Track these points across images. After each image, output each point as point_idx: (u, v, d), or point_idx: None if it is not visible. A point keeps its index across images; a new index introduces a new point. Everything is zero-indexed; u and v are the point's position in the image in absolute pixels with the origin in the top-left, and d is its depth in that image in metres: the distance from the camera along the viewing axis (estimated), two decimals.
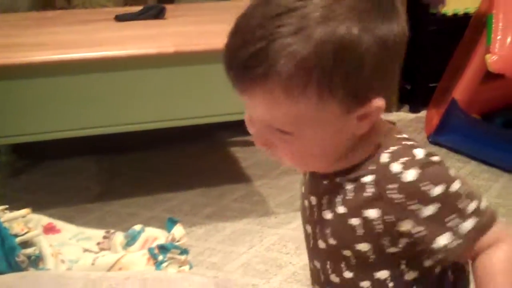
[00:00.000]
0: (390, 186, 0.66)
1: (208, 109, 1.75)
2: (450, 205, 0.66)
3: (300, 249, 1.76)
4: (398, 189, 0.66)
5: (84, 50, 1.67)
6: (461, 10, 2.82)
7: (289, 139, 0.66)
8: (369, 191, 0.68)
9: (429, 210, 0.66)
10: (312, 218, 0.75)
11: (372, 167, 0.69)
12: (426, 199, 0.65)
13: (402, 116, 2.94)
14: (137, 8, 2.14)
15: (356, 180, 0.69)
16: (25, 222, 1.55)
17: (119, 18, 2.02)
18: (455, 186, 0.67)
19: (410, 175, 0.65)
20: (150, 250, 1.48)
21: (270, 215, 1.97)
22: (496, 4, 1.92)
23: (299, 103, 0.62)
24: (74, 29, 1.97)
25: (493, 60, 1.88)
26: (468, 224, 0.66)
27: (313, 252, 0.76)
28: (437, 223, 0.66)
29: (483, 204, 0.69)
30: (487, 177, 2.26)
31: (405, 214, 0.66)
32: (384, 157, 0.68)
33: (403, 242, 0.69)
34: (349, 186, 0.70)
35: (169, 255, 1.48)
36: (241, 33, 0.64)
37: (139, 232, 1.62)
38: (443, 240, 0.66)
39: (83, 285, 0.80)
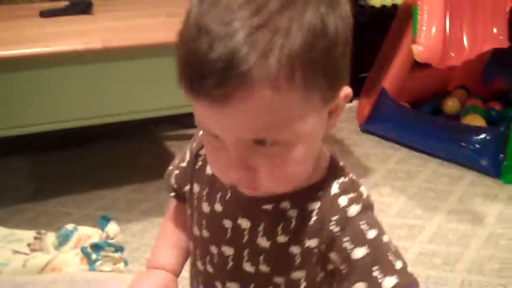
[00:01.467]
0: (333, 218, 0.63)
1: (139, 105, 1.74)
2: (380, 254, 0.63)
3: None
4: (339, 222, 0.63)
5: (9, 48, 1.63)
6: (389, 2, 2.91)
7: (276, 152, 0.58)
8: (313, 219, 0.64)
9: (360, 252, 0.62)
10: (239, 241, 0.67)
11: (320, 194, 0.64)
12: (360, 239, 0.62)
13: None
14: (63, 3, 2.10)
15: (302, 207, 0.64)
16: None
17: (44, 14, 1.98)
18: (386, 237, 0.64)
19: (353, 211, 0.63)
20: (83, 249, 1.46)
21: None
22: None
23: (288, 99, 0.55)
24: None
25: (419, 50, 1.93)
26: (390, 282, 0.62)
27: (232, 274, 0.69)
28: (363, 269, 0.62)
29: (409, 267, 0.64)
30: (417, 162, 2.35)
31: (337, 247, 0.63)
32: (335, 188, 0.64)
33: (330, 268, 0.65)
34: (293, 214, 0.64)
35: (103, 253, 1.46)
36: (206, 34, 0.53)
37: (72, 232, 1.59)
38: (359, 286, 0.62)
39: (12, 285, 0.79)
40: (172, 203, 0.83)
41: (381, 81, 2.57)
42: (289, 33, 0.53)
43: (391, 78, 2.56)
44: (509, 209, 1.98)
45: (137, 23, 1.93)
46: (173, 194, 0.80)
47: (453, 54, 1.98)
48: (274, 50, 0.53)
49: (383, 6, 2.92)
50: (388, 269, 0.62)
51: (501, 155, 2.18)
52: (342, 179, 0.65)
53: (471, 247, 1.76)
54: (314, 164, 0.63)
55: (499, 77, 2.75)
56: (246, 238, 0.67)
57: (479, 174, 2.21)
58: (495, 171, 2.18)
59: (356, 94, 2.85)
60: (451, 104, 2.66)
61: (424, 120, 2.51)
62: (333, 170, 0.65)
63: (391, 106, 2.54)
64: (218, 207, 0.69)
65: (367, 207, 0.64)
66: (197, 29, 0.54)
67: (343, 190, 0.64)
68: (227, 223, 0.68)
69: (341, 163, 0.67)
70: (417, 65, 2.35)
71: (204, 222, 0.71)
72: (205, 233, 0.71)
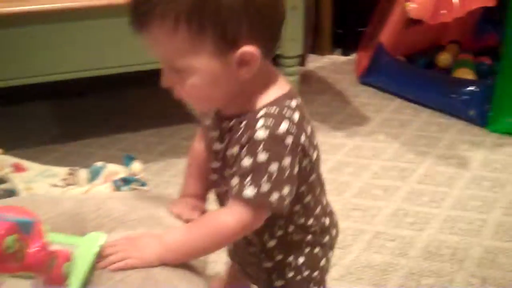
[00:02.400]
0: (246, 133, 0.81)
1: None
2: (258, 172, 0.80)
3: None
4: (248, 137, 0.81)
5: (38, 2, 1.77)
6: None
7: (182, 77, 0.80)
8: (239, 133, 0.83)
9: (246, 162, 0.80)
10: (210, 147, 0.92)
11: (251, 116, 0.82)
12: (251, 155, 0.80)
13: (334, 58, 3.15)
14: None
15: (240, 122, 0.83)
16: None
17: None
18: (274, 165, 0.80)
19: (259, 134, 0.80)
20: (115, 182, 1.65)
21: None
22: None
23: (174, 38, 0.76)
24: None
25: (411, 7, 2.06)
26: (250, 192, 0.80)
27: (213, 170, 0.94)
28: (242, 173, 0.81)
29: (276, 193, 0.81)
30: (410, 112, 2.53)
31: (240, 154, 0.82)
32: (262, 112, 0.82)
33: None
34: (229, 126, 0.86)
35: (131, 186, 1.66)
36: None
37: (101, 168, 1.78)
38: (234, 181, 0.82)
39: (74, 203, 0.97)
40: (200, 132, 1.02)
41: (378, 36, 2.71)
42: None
43: (387, 33, 2.69)
44: (493, 155, 2.15)
45: None
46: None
47: (444, 11, 2.12)
48: (167, 4, 0.75)
49: None
50: (255, 183, 0.80)
51: (488, 106, 2.34)
52: (273, 109, 0.82)
53: (456, 187, 1.96)
54: (229, 95, 0.83)
55: (490, 33, 2.86)
56: (214, 144, 0.89)
57: (467, 123, 2.38)
58: (482, 121, 2.34)
59: (355, 48, 3.01)
60: (443, 58, 2.77)
61: (417, 73, 2.65)
62: (275, 101, 0.83)
63: (387, 60, 2.68)
64: (208, 121, 0.92)
65: (273, 138, 0.80)
66: None
67: (266, 115, 0.81)
68: (210, 134, 0.91)
69: (290, 101, 0.84)
70: (412, 21, 2.48)
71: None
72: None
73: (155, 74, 2.63)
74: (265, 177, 0.80)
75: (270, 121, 0.80)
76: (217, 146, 0.89)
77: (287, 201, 0.83)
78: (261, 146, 0.79)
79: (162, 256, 0.83)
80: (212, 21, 0.75)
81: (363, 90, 2.75)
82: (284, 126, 0.80)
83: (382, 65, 2.70)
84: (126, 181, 1.67)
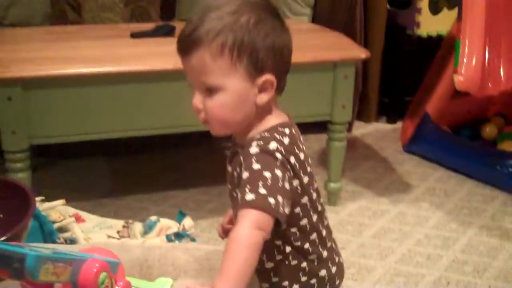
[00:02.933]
0: (244, 153, 0.95)
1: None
2: (254, 180, 0.91)
3: None
4: (243, 155, 0.96)
5: (108, 65, 1.93)
6: (434, 32, 3.10)
7: (214, 97, 0.95)
8: (242, 155, 0.96)
9: (245, 175, 0.93)
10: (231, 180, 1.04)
11: (249, 142, 0.97)
12: (248, 167, 0.93)
13: (380, 126, 3.23)
14: (144, 25, 2.40)
15: (243, 148, 0.97)
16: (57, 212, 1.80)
17: (135, 35, 2.28)
18: (268, 173, 0.92)
19: (252, 150, 0.94)
20: (168, 236, 1.73)
21: None
22: (462, 31, 2.19)
23: (218, 61, 0.92)
24: (95, 44, 2.22)
25: (459, 80, 2.14)
26: (249, 196, 0.90)
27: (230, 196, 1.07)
28: (243, 184, 0.92)
29: (272, 198, 0.90)
30: (454, 182, 2.56)
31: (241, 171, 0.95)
32: (257, 136, 0.97)
33: None
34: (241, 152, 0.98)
35: (183, 241, 1.74)
36: (193, 22, 0.95)
37: (155, 222, 1.87)
38: (239, 195, 0.93)
39: (142, 251, 1.06)
40: None
41: (425, 105, 2.77)
42: (227, 26, 0.93)
43: (434, 103, 2.76)
44: None
45: None
46: None
47: (490, 85, 2.19)
48: (214, 32, 0.92)
49: (429, 36, 3.11)
50: (253, 190, 0.90)
51: None
52: (266, 133, 0.97)
53: (499, 258, 1.97)
54: (245, 120, 0.98)
55: None
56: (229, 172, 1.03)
57: (511, 195, 2.41)
58: None
59: (401, 116, 3.09)
60: (489, 130, 2.82)
61: (462, 143, 2.70)
62: (271, 129, 0.98)
63: (432, 130, 2.74)
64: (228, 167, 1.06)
65: (264, 151, 0.94)
66: (188, 20, 0.96)
67: (260, 138, 0.96)
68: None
69: (283, 129, 0.98)
70: (458, 92, 2.53)
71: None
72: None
73: (206, 135, 2.75)
74: (261, 183, 0.91)
75: (262, 141, 0.95)
76: (228, 168, 1.04)
77: (285, 210, 0.93)
78: (254, 158, 0.93)
79: None
80: (249, 52, 0.94)
81: (408, 158, 2.81)
82: (273, 145, 0.95)
83: (428, 134, 2.76)
84: (178, 236, 1.75)
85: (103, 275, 0.71)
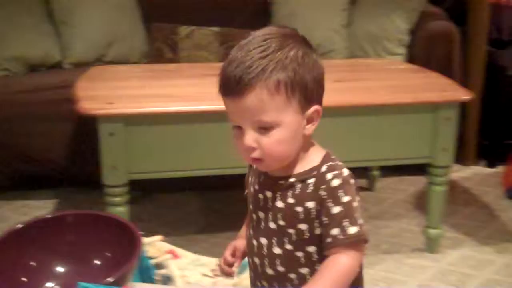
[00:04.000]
0: (322, 186, 0.96)
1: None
2: (349, 212, 0.94)
3: None
4: (325, 189, 0.96)
5: (205, 103, 1.93)
6: None
7: (269, 134, 0.94)
8: (310, 189, 0.98)
9: (336, 209, 0.95)
10: (266, 207, 1.03)
11: (314, 173, 0.99)
12: (338, 201, 0.95)
13: (479, 170, 3.08)
14: None
15: (303, 181, 0.99)
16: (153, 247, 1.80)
17: None
18: (356, 203, 0.96)
19: (335, 182, 0.96)
20: None
21: None
22: None
23: (276, 98, 0.93)
24: (192, 82, 2.25)
25: None
26: (353, 229, 0.94)
27: (263, 231, 1.04)
28: (337, 220, 0.95)
29: (364, 228, 0.95)
30: None
31: (324, 206, 0.96)
32: (324, 168, 0.98)
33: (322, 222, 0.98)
34: (298, 185, 0.99)
35: None
36: (237, 61, 0.93)
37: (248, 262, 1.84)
38: (334, 231, 0.95)
39: None
40: None
41: None
42: (278, 62, 0.93)
43: None
44: None
45: None
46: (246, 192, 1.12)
47: None
48: (268, 70, 0.92)
49: None
50: (354, 222, 0.94)
51: None
52: (330, 163, 0.99)
53: None
54: (297, 152, 0.99)
55: None
56: (269, 204, 1.02)
57: None
58: None
59: (501, 160, 2.94)
60: None
61: None
62: (325, 159, 1.00)
63: None
64: (256, 186, 1.06)
65: (345, 181, 0.96)
66: (229, 61, 0.95)
67: (330, 169, 0.98)
68: (261, 196, 1.04)
69: (333, 157, 1.02)
70: None
71: (250, 199, 1.07)
72: (251, 206, 1.07)
73: None
74: (355, 214, 0.95)
75: (336, 172, 0.97)
76: (278, 203, 1.01)
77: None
78: (342, 191, 0.95)
79: None
80: (301, 85, 0.95)
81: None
82: (346, 172, 0.98)
83: None
84: None
85: None
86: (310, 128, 0.99)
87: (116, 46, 3.08)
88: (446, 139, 2.05)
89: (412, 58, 2.94)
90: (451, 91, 2.11)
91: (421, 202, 2.58)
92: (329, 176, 0.97)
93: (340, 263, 0.94)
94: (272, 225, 1.02)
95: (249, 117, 0.94)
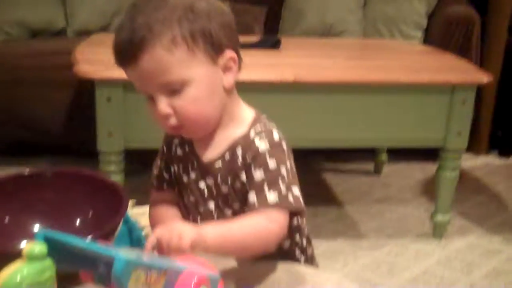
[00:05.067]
0: (249, 154, 0.90)
1: (315, 134, 1.90)
2: (273, 178, 0.88)
3: (392, 273, 1.86)
4: (252, 156, 0.89)
5: None
6: None
7: (181, 96, 0.86)
8: (240, 160, 0.91)
9: (258, 174, 0.88)
10: (213, 195, 0.96)
11: (243, 142, 0.91)
12: (262, 166, 0.88)
13: (490, 160, 2.98)
14: (248, 38, 2.32)
15: (234, 154, 0.92)
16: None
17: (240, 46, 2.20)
18: (284, 168, 0.89)
19: (262, 147, 0.89)
20: None
21: (362, 238, 2.09)
22: None
23: (174, 52, 0.84)
24: None
25: None
26: (272, 197, 0.87)
27: (202, 213, 0.97)
28: (258, 185, 0.88)
29: (290, 194, 0.88)
30: None
31: (250, 173, 0.89)
32: (252, 134, 0.91)
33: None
34: (229, 158, 0.92)
35: None
36: (124, 26, 0.86)
37: None
38: (252, 198, 0.88)
39: (242, 266, 0.96)
40: (156, 197, 1.05)
41: None
42: (167, 17, 0.84)
43: None
44: None
45: (321, 61, 2.10)
46: (165, 186, 1.03)
47: None
48: (160, 25, 0.83)
49: None
50: (275, 188, 0.87)
51: None
52: (258, 127, 0.92)
53: None
54: (219, 112, 0.91)
55: None
56: (215, 191, 0.94)
57: None
58: None
59: None
60: None
61: None
62: (253, 123, 0.93)
63: None
64: (192, 175, 0.97)
65: (273, 144, 0.90)
66: (117, 28, 0.87)
67: (257, 134, 0.91)
68: (202, 185, 0.96)
69: (263, 116, 0.95)
70: None
71: (188, 190, 0.98)
72: (191, 198, 0.98)
73: (302, 154, 2.59)
74: (280, 181, 0.88)
75: (264, 135, 0.91)
76: (223, 188, 0.94)
77: (301, 200, 0.90)
78: (267, 155, 0.89)
79: (195, 243, 0.77)
80: (201, 33, 0.86)
81: None
82: (276, 135, 0.91)
83: None
84: None
85: None
86: (229, 79, 0.90)
87: (121, 16, 2.99)
88: (461, 122, 1.95)
89: (428, 43, 2.83)
90: (470, 73, 2.02)
91: (429, 189, 2.49)
92: (256, 141, 0.90)
93: (256, 222, 0.86)
94: (227, 211, 0.96)
95: (153, 81, 0.86)
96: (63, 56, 2.40)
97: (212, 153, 0.94)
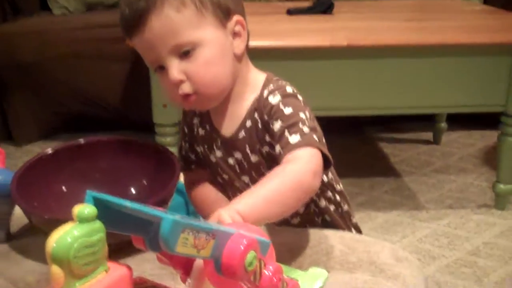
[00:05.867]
0: (265, 111, 0.87)
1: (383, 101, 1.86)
2: (292, 123, 0.83)
3: (452, 244, 1.81)
4: (268, 112, 0.87)
5: (266, 39, 1.82)
6: None
7: (193, 59, 0.84)
8: (260, 122, 0.89)
9: (277, 124, 0.84)
10: (244, 168, 0.94)
11: (258, 103, 0.89)
12: (279, 116, 0.85)
13: None
14: (301, 3, 2.28)
15: (253, 117, 0.89)
16: None
17: (291, 12, 2.17)
18: (302, 113, 0.85)
19: (275, 100, 0.86)
20: None
21: (421, 210, 2.04)
22: None
23: (184, 12, 0.82)
24: (252, 20, 2.13)
25: None
26: (295, 138, 0.82)
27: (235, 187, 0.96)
28: (279, 134, 0.84)
29: (314, 134, 0.83)
30: None
31: (270, 129, 0.86)
32: (265, 93, 0.88)
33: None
34: (250, 124, 0.90)
35: None
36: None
37: None
38: (277, 149, 0.84)
39: (291, 235, 0.93)
40: (190, 177, 1.02)
41: None
42: None
43: None
44: None
45: (375, 24, 2.04)
46: (193, 166, 1.01)
47: None
48: None
49: None
50: (296, 130, 0.82)
51: None
52: (270, 86, 0.89)
53: None
54: (233, 78, 0.88)
55: None
56: (246, 164, 0.92)
57: None
58: None
59: None
60: None
61: None
62: (266, 84, 0.90)
63: None
64: (219, 153, 0.95)
65: (285, 95, 0.87)
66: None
67: (270, 92, 0.88)
68: (231, 161, 0.94)
69: (276, 78, 0.92)
70: None
71: (218, 169, 0.96)
72: (225, 176, 0.96)
73: (351, 124, 2.55)
74: (300, 123, 0.83)
75: (277, 91, 0.87)
76: (253, 158, 0.92)
77: (326, 146, 0.85)
78: (281, 105, 0.86)
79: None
80: None
81: None
82: (289, 89, 0.88)
83: None
84: None
85: (251, 254, 0.58)
86: (239, 45, 0.88)
87: None
88: None
89: (490, 3, 2.71)
90: None
91: (491, 158, 2.40)
92: (270, 99, 0.87)
93: (284, 170, 0.79)
94: (246, 179, 0.94)
95: (164, 45, 0.83)
96: (118, 29, 2.43)
97: (233, 125, 0.92)
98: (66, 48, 2.56)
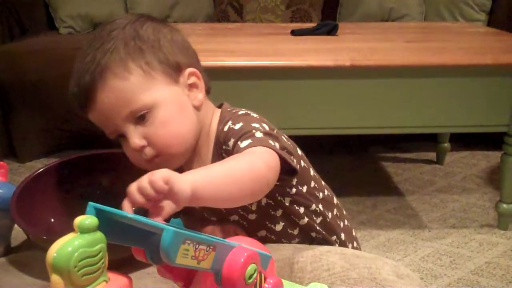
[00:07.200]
0: (223, 141, 0.85)
1: (377, 121, 1.86)
2: (244, 133, 0.81)
3: (455, 263, 1.80)
4: (226, 140, 0.84)
5: (269, 59, 1.84)
6: None
7: (151, 122, 0.82)
8: (223, 151, 0.86)
9: (230, 143, 0.83)
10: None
11: (216, 138, 0.87)
12: (231, 137, 0.83)
13: None
14: (305, 24, 2.30)
15: (218, 152, 0.87)
16: None
17: (295, 33, 2.19)
18: (255, 124, 0.83)
19: (227, 126, 0.85)
20: None
21: (424, 229, 2.03)
22: None
23: (130, 79, 0.81)
24: (256, 40, 2.16)
25: None
26: (245, 143, 0.80)
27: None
28: (235, 144, 0.81)
29: (270, 139, 0.80)
30: None
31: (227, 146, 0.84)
32: (220, 128, 0.86)
33: None
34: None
35: None
36: (75, 73, 0.86)
37: None
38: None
39: (291, 250, 0.94)
40: None
41: None
42: (114, 46, 0.82)
43: None
44: None
45: (379, 45, 2.06)
46: None
47: None
48: (108, 56, 0.81)
49: None
50: (247, 138, 0.80)
51: None
52: (224, 119, 0.86)
53: None
54: (197, 127, 0.87)
55: None
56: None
57: None
58: None
59: None
60: None
61: None
62: (221, 119, 0.88)
63: None
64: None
65: (236, 117, 0.85)
66: (71, 77, 0.87)
67: (224, 124, 0.85)
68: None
69: (229, 108, 0.90)
70: None
71: (204, 214, 0.95)
72: (213, 218, 0.94)
73: (355, 143, 2.52)
74: (253, 130, 0.81)
75: (229, 118, 0.86)
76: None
77: (291, 156, 0.84)
78: (231, 125, 0.84)
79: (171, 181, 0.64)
80: (155, 56, 0.83)
81: None
82: (241, 111, 0.87)
83: None
84: None
85: (251, 267, 0.58)
86: (197, 96, 0.87)
87: (180, 7, 3.03)
88: None
89: (493, 26, 2.73)
90: None
91: (494, 178, 2.41)
92: (224, 128, 0.85)
93: (238, 156, 0.77)
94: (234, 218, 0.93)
95: (118, 115, 0.82)
96: None
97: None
98: (71, 66, 2.58)
